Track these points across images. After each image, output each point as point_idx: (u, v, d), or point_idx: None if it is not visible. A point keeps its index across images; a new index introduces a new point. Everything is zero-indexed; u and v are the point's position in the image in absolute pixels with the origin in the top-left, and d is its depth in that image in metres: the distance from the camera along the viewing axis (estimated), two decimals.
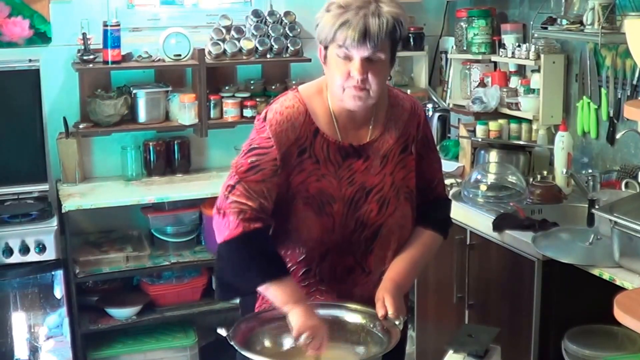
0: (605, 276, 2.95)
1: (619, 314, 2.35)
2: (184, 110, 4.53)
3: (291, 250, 2.49)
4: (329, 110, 2.47)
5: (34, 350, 4.22)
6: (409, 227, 2.57)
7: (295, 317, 2.32)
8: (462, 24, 4.67)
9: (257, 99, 4.69)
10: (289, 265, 2.49)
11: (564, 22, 3.79)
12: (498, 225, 3.42)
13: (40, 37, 4.43)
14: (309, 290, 2.51)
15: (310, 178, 2.43)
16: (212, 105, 4.65)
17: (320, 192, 2.43)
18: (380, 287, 2.43)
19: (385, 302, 2.37)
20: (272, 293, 2.37)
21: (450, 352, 2.29)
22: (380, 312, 2.36)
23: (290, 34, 4.72)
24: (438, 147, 4.42)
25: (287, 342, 2.39)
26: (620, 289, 2.79)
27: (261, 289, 2.39)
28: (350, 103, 2.39)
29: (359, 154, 2.47)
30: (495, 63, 4.57)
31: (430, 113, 4.68)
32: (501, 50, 4.37)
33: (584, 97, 3.97)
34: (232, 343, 2.28)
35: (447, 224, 2.70)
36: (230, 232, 2.35)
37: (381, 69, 2.36)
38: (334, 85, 2.39)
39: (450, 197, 2.74)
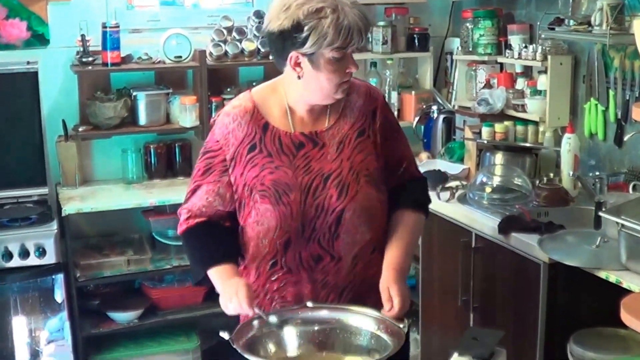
0: (612, 279, 2.94)
1: (625, 317, 2.39)
2: (184, 112, 4.50)
3: (256, 245, 2.54)
4: (284, 105, 2.55)
5: (35, 355, 4.21)
6: (377, 210, 2.57)
7: (218, 286, 2.50)
8: (467, 24, 4.64)
9: None
10: (257, 261, 2.56)
11: (572, 22, 3.78)
12: (504, 228, 3.41)
13: (39, 39, 4.40)
14: (279, 284, 2.55)
15: (264, 172, 2.50)
16: (213, 107, 4.60)
17: (275, 183, 2.49)
18: (383, 278, 2.46)
19: (390, 292, 2.40)
20: (213, 280, 2.54)
21: (455, 355, 2.26)
22: (387, 305, 2.39)
23: None
24: (443, 150, 4.47)
25: (291, 346, 2.39)
26: (626, 291, 2.80)
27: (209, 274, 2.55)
28: (339, 96, 2.50)
29: (315, 143, 2.53)
30: (501, 64, 4.54)
31: (435, 115, 4.69)
32: (507, 51, 4.34)
33: (592, 99, 3.95)
34: (234, 346, 2.26)
35: (426, 202, 2.74)
36: (180, 229, 2.64)
37: None
38: (326, 89, 2.46)
39: (424, 176, 2.76)
